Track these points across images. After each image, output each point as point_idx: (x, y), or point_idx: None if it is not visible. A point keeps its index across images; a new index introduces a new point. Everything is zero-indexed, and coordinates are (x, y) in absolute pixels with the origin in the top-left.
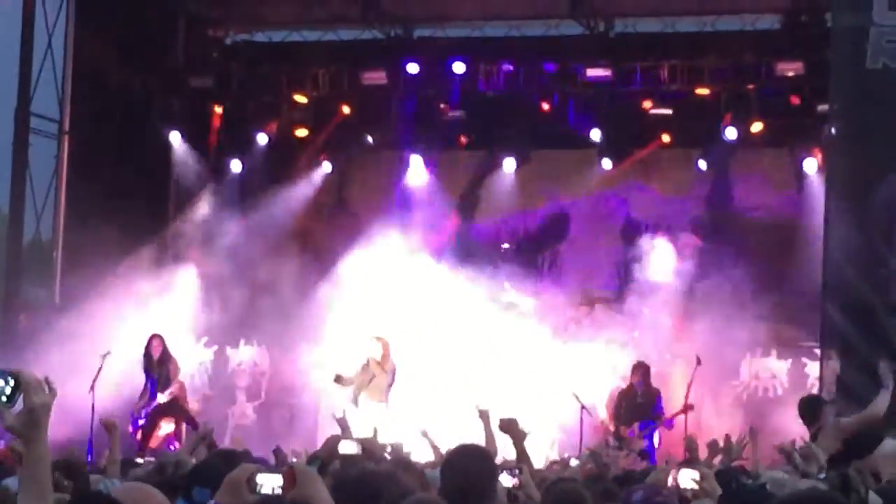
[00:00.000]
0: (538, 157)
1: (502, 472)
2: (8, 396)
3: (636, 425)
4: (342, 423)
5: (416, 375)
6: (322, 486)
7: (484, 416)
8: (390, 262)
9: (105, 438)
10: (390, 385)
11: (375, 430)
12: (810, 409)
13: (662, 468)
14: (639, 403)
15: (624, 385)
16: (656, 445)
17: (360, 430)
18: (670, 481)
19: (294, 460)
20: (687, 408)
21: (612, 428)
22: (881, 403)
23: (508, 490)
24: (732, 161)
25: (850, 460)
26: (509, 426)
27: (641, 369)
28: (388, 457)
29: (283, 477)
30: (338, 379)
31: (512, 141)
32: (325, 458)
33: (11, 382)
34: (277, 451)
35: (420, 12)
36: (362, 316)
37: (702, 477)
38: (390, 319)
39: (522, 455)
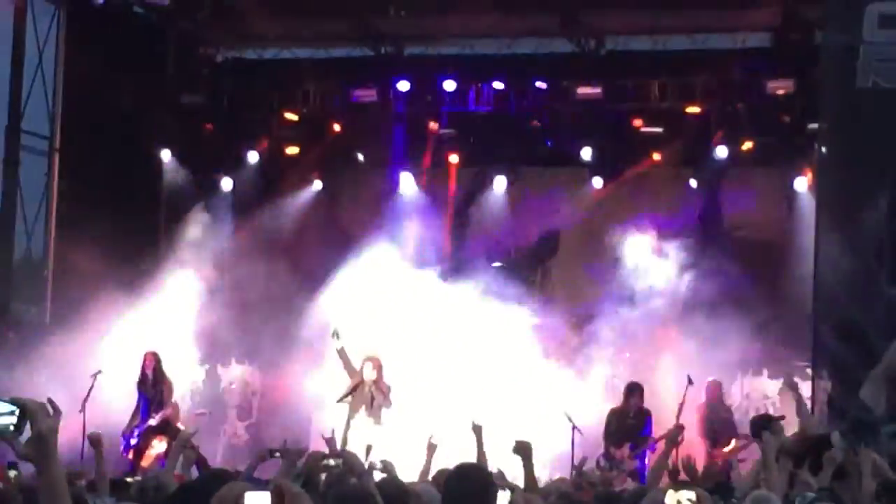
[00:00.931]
0: (529, 175)
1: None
2: (15, 426)
3: (627, 446)
4: (331, 443)
5: (407, 393)
6: None
7: (477, 430)
8: (381, 280)
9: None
10: (388, 405)
11: (369, 448)
12: (759, 428)
13: (659, 488)
14: (630, 424)
15: (616, 405)
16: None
17: (355, 449)
18: (667, 501)
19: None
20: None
21: (602, 448)
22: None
23: None
24: (723, 179)
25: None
26: (523, 449)
27: (636, 390)
28: (378, 473)
29: (272, 496)
30: (335, 334)
31: (503, 159)
32: (307, 474)
33: (17, 412)
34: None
35: (411, 30)
36: (354, 334)
37: (698, 498)
38: (381, 337)
39: (531, 478)
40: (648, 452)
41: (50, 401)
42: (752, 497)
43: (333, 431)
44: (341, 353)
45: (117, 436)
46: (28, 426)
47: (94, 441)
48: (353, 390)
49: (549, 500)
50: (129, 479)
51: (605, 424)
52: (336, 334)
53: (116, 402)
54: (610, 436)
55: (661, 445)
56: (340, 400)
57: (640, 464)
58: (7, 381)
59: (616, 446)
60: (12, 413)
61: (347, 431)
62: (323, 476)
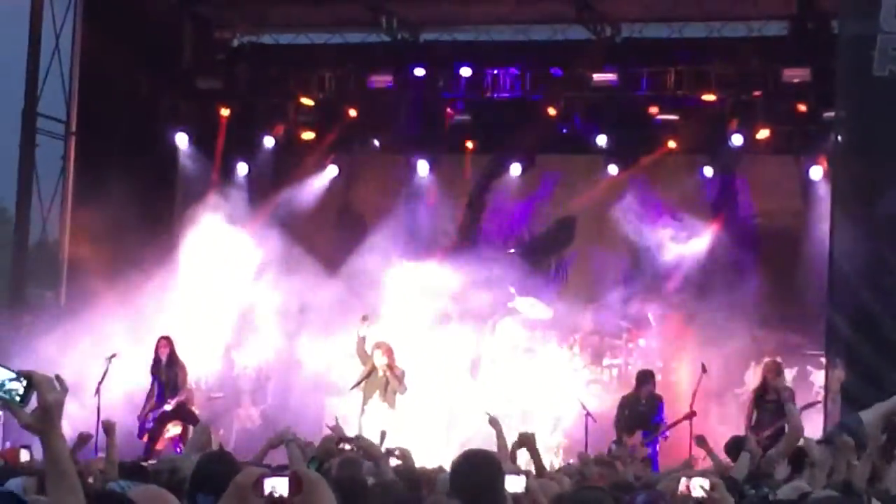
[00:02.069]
0: (544, 163)
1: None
2: (21, 396)
3: (639, 433)
4: (336, 430)
5: (422, 380)
6: (329, 492)
7: (494, 423)
8: (396, 265)
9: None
10: (403, 391)
11: (383, 434)
12: (735, 448)
13: (672, 476)
14: (641, 411)
15: (628, 392)
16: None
17: (370, 434)
18: (681, 488)
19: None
20: (690, 415)
21: (614, 435)
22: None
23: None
24: (738, 168)
25: None
26: (527, 440)
27: (648, 377)
28: (393, 459)
29: (290, 481)
30: (364, 318)
31: (518, 146)
32: (321, 458)
33: (24, 382)
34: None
35: (427, 16)
36: (367, 320)
37: (712, 486)
38: (395, 323)
39: (540, 467)
40: (660, 439)
41: (57, 377)
42: (790, 486)
43: (337, 419)
44: (361, 340)
45: (132, 419)
46: (34, 398)
47: (108, 428)
48: (366, 377)
49: (563, 484)
50: (143, 464)
51: (617, 412)
52: (365, 319)
53: (131, 385)
54: (621, 423)
55: (681, 429)
56: (354, 387)
57: (652, 451)
58: (22, 365)
59: (628, 434)
60: (20, 384)
61: (362, 417)
62: (336, 460)
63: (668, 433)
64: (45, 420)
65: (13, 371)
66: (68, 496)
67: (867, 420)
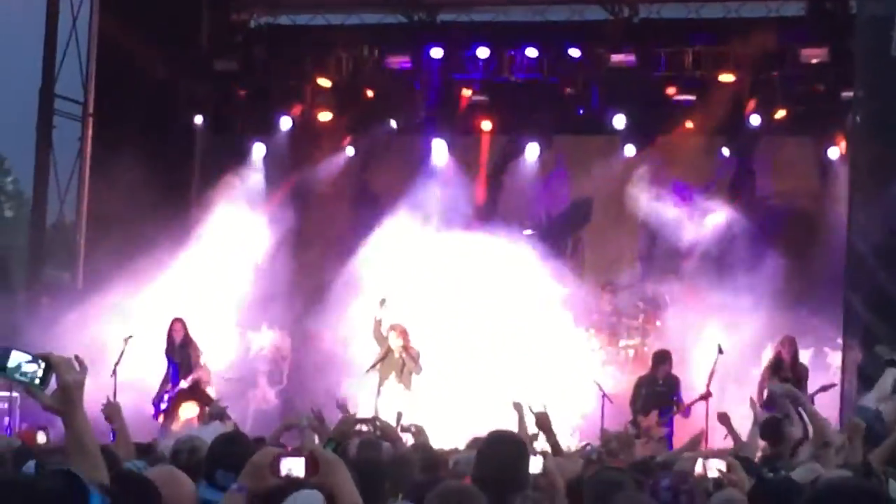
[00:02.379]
0: (561, 143)
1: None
2: (41, 378)
3: (655, 413)
4: (343, 408)
5: (437, 361)
6: (345, 472)
7: (518, 408)
8: (412, 246)
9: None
10: (419, 371)
11: (399, 415)
12: (773, 429)
13: (689, 456)
14: (659, 391)
15: (644, 372)
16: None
17: (386, 416)
18: (698, 469)
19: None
20: (706, 395)
21: (630, 415)
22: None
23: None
24: (756, 148)
25: None
26: (542, 419)
27: (665, 358)
28: (409, 439)
29: (306, 462)
30: (382, 301)
31: (535, 126)
32: (338, 440)
33: (42, 365)
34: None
35: None
36: (384, 301)
37: (729, 467)
38: (411, 304)
39: (555, 447)
40: (678, 418)
41: (77, 357)
42: (802, 469)
43: (345, 399)
44: (378, 323)
45: (149, 400)
46: (53, 379)
47: (112, 412)
48: (381, 359)
49: (579, 464)
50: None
51: (633, 392)
52: (383, 302)
53: (148, 366)
54: (637, 404)
55: (695, 410)
56: (370, 370)
57: (668, 430)
58: (40, 346)
59: (643, 414)
60: (39, 367)
61: (378, 398)
62: (356, 441)
63: (689, 410)
64: (66, 401)
65: (31, 354)
66: (93, 472)
67: (886, 411)
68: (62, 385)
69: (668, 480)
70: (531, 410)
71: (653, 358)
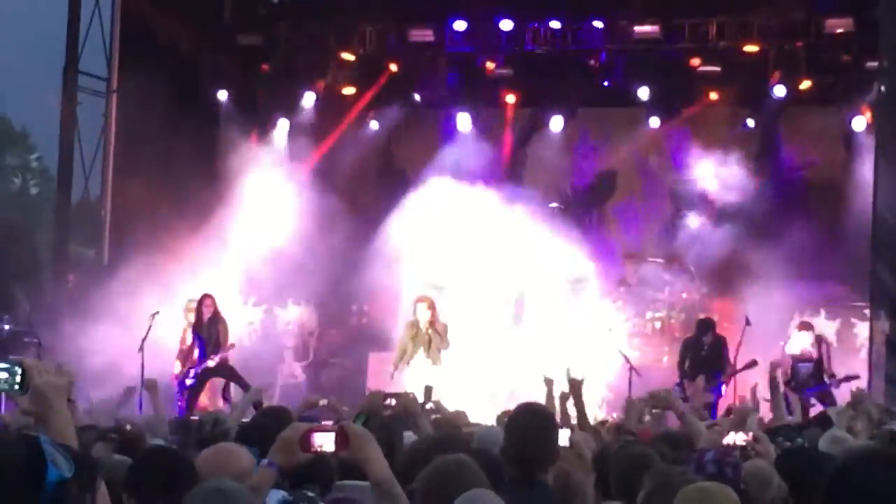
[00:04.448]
0: (586, 115)
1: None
2: (20, 384)
3: (701, 378)
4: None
5: (465, 336)
6: (375, 446)
7: (548, 383)
8: (437, 220)
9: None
10: (446, 346)
11: (428, 389)
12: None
13: (716, 429)
14: (704, 357)
15: (669, 345)
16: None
17: (415, 391)
18: (727, 440)
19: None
20: (751, 364)
21: (677, 378)
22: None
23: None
24: (780, 119)
25: None
26: (575, 386)
27: (708, 325)
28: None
29: (336, 437)
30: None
31: (559, 99)
32: (368, 414)
33: (19, 370)
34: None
35: None
36: (410, 274)
37: (755, 438)
38: (437, 278)
39: (582, 418)
40: (724, 387)
41: (60, 365)
42: (827, 437)
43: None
44: (410, 325)
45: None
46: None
47: (151, 387)
48: (400, 359)
49: (606, 438)
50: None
51: (680, 353)
52: (421, 300)
53: (174, 342)
54: (685, 367)
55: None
56: (397, 366)
57: (716, 396)
58: (67, 324)
59: (690, 379)
60: (14, 374)
61: (406, 373)
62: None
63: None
64: (40, 403)
65: (7, 361)
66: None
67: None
68: (34, 389)
69: (712, 453)
70: (569, 374)
71: (697, 325)
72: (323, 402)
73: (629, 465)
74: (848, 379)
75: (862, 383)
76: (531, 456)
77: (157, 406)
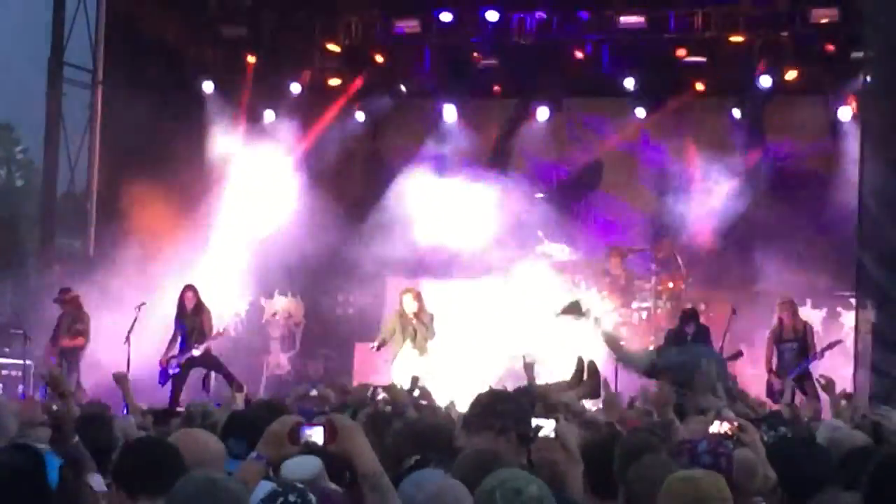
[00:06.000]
0: (571, 106)
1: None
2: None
3: (787, 376)
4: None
5: (449, 324)
6: (364, 439)
7: (528, 368)
8: (423, 210)
9: (141, 388)
10: (432, 336)
11: (415, 379)
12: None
13: (699, 419)
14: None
15: (656, 336)
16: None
17: (402, 381)
18: (713, 429)
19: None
20: (737, 354)
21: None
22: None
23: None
24: (766, 109)
25: None
26: (592, 368)
27: (691, 316)
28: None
29: (324, 429)
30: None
31: (545, 89)
32: (355, 406)
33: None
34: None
35: None
36: (396, 265)
37: (741, 427)
38: (423, 268)
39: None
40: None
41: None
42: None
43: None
44: (396, 314)
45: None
46: None
47: (119, 379)
48: (382, 343)
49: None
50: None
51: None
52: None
53: (160, 333)
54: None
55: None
56: (379, 348)
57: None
58: (51, 314)
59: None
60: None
61: (393, 364)
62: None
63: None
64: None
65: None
66: None
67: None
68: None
69: (706, 444)
70: (524, 360)
71: (681, 316)
72: (313, 392)
73: (635, 453)
74: (831, 346)
75: (847, 370)
76: (505, 429)
77: (128, 397)
